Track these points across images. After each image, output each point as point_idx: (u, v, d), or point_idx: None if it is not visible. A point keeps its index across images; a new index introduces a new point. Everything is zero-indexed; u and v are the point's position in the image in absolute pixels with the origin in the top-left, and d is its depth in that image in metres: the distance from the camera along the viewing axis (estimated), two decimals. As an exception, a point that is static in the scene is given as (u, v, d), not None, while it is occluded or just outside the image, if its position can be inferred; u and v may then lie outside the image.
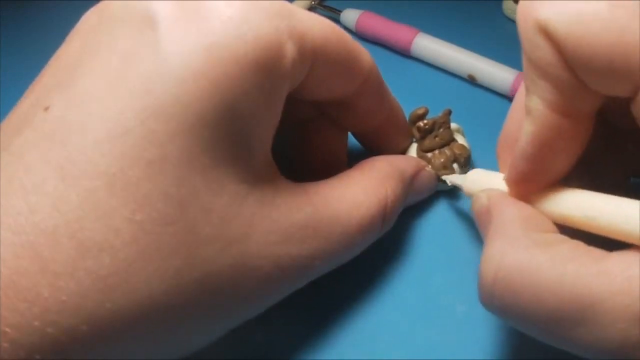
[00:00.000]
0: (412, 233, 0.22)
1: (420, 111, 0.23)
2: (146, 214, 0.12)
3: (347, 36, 0.18)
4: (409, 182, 0.21)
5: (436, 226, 0.23)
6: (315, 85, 0.18)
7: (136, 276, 0.12)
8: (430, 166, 0.23)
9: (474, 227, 0.22)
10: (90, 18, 0.15)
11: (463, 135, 0.24)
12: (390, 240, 0.22)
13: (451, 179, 0.22)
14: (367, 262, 0.21)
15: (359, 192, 0.18)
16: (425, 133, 0.23)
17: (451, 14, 0.36)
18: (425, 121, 0.23)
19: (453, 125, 0.24)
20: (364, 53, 0.19)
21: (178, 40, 0.13)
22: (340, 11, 0.35)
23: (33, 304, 0.11)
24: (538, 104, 0.14)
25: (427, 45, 0.32)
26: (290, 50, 0.15)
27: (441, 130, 0.23)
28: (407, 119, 0.24)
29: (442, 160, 0.23)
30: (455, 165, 0.23)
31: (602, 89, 0.13)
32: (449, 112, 0.23)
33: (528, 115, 0.15)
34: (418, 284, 0.20)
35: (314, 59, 0.16)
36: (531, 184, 0.16)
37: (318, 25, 0.16)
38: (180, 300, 0.13)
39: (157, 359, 0.14)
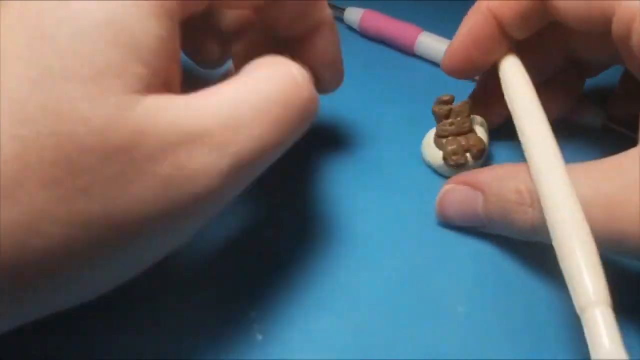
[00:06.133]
0: (411, 233, 0.22)
1: (445, 97, 0.24)
2: (28, 129, 0.13)
3: None
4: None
5: (435, 226, 0.23)
6: None
7: (20, 188, 0.13)
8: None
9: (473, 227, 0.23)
10: None
11: (485, 129, 0.25)
12: (389, 241, 0.22)
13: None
14: (367, 262, 0.21)
15: (261, 75, 0.17)
16: (440, 118, 0.24)
17: (451, 15, 0.36)
18: (440, 106, 0.24)
19: (477, 118, 0.25)
20: None
21: None
22: (343, 9, 0.35)
23: None
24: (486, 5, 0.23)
25: (431, 43, 0.32)
26: None
27: (458, 119, 0.24)
28: (433, 104, 0.24)
29: (453, 147, 0.23)
30: (468, 155, 0.24)
31: None
32: (467, 103, 0.24)
33: (474, 9, 0.23)
34: (418, 284, 0.20)
35: None
36: (460, 57, 0.24)
37: None
38: (65, 209, 0.13)
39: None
